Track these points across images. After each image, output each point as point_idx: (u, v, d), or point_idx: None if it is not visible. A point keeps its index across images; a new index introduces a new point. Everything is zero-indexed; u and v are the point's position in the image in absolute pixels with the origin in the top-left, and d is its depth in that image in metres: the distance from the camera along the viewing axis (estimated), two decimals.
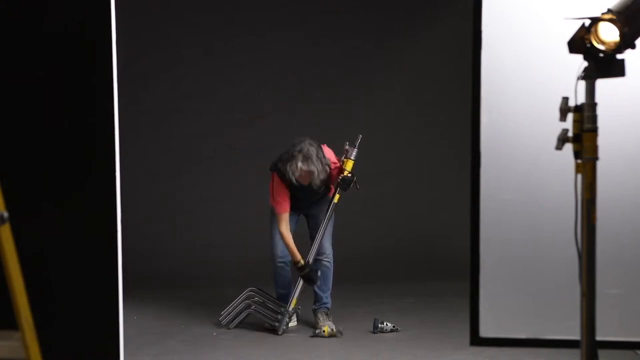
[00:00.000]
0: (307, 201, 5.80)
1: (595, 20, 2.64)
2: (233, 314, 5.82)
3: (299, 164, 5.50)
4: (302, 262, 5.67)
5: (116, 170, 3.33)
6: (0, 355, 2.35)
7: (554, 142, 2.69)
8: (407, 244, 7.83)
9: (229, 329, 5.78)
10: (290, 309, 5.69)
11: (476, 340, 3.16)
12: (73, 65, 3.32)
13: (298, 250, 5.72)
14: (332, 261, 5.82)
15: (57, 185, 3.35)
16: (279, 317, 5.67)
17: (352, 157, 5.75)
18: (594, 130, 2.67)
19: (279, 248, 5.80)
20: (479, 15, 3.07)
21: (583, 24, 2.65)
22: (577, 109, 2.69)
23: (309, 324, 5.85)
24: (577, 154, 2.69)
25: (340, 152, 5.82)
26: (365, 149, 7.13)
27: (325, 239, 5.78)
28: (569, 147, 2.69)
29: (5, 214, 2.23)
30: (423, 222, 8.00)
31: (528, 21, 3.12)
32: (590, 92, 2.68)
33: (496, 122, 3.10)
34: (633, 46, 2.64)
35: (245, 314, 5.82)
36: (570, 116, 2.69)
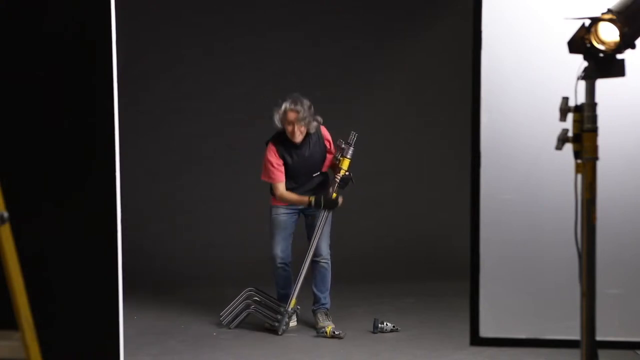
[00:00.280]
0: (303, 186, 5.77)
1: (595, 20, 2.64)
2: (233, 314, 5.82)
3: (286, 104, 5.65)
4: (311, 199, 5.68)
5: (116, 170, 3.34)
6: (0, 355, 2.35)
7: (554, 142, 2.69)
8: (407, 244, 7.83)
9: (229, 329, 5.78)
10: (290, 308, 5.70)
11: (476, 340, 3.16)
12: (73, 65, 3.32)
13: (292, 250, 5.76)
14: (329, 262, 5.81)
15: (57, 185, 3.35)
16: (279, 317, 5.68)
17: (349, 156, 5.76)
18: (594, 130, 2.67)
19: (279, 248, 5.80)
20: (479, 15, 3.07)
21: (583, 24, 2.65)
22: (577, 109, 2.69)
23: (309, 324, 5.85)
24: (577, 154, 2.69)
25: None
26: (365, 149, 7.13)
27: (322, 241, 5.77)
28: (569, 147, 2.69)
29: (5, 214, 2.23)
30: (423, 222, 8.00)
31: (528, 21, 3.12)
32: (590, 92, 2.68)
33: (496, 122, 3.10)
34: (633, 46, 2.64)
35: (245, 314, 5.82)
36: (570, 116, 2.69)
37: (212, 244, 7.72)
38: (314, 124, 5.72)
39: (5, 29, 3.25)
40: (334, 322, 5.74)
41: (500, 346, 3.42)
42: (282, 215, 5.82)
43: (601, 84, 2.68)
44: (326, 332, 5.59)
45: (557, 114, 2.69)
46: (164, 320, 6.11)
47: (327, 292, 5.82)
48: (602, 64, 2.66)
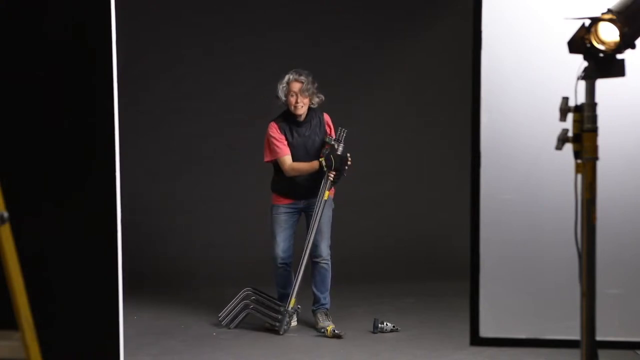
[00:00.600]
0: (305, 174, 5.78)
1: (595, 20, 2.64)
2: (232, 314, 5.82)
3: (290, 75, 5.75)
4: (322, 161, 5.69)
5: (116, 170, 3.33)
6: (0, 355, 2.35)
7: (554, 142, 2.69)
8: (407, 244, 7.83)
9: (229, 329, 5.79)
10: (290, 308, 5.70)
11: (476, 340, 3.16)
12: (73, 65, 3.32)
13: (292, 251, 5.77)
14: (329, 263, 5.81)
15: (57, 185, 3.34)
16: (280, 317, 5.68)
17: (339, 153, 5.76)
18: (594, 130, 2.67)
19: (280, 249, 5.80)
20: (479, 15, 3.07)
21: (583, 24, 2.65)
22: (577, 109, 2.69)
23: (309, 324, 5.85)
24: (577, 154, 2.69)
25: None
26: (365, 149, 7.14)
27: (322, 242, 5.77)
28: (569, 147, 2.69)
29: (5, 214, 2.23)
30: (423, 222, 8.00)
31: (528, 21, 3.12)
32: (590, 92, 2.68)
33: (496, 122, 3.10)
34: (633, 46, 2.64)
35: (244, 314, 5.82)
36: (570, 116, 2.69)
37: (212, 244, 7.72)
38: (317, 99, 5.78)
39: (5, 29, 3.25)
40: (334, 322, 5.74)
41: (500, 346, 3.42)
42: (283, 214, 5.82)
43: (601, 84, 2.68)
44: (327, 332, 5.59)
45: (557, 114, 2.69)
46: (164, 320, 6.11)
47: (327, 293, 5.83)
48: (602, 64, 2.66)
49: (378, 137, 7.96)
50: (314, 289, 5.81)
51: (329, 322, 5.70)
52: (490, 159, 3.10)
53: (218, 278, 7.28)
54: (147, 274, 7.26)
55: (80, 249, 3.36)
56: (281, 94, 5.76)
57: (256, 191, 7.82)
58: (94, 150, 3.36)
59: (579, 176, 2.70)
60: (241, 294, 5.89)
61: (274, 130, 5.79)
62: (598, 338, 2.72)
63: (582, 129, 2.67)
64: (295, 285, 5.73)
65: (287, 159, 5.75)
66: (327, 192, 5.73)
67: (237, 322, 5.81)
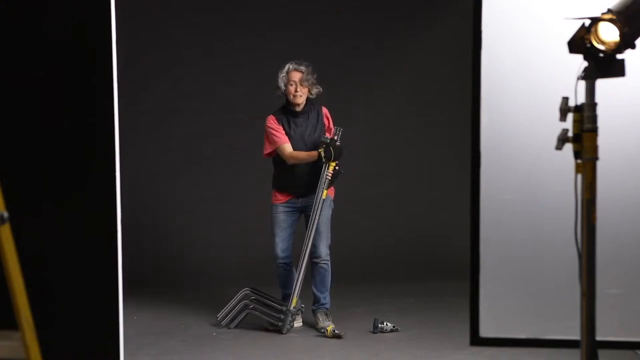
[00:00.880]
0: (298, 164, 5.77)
1: (595, 20, 2.64)
2: (232, 314, 5.82)
3: (290, 64, 5.82)
4: (321, 151, 5.69)
5: (116, 170, 3.33)
6: (0, 355, 2.35)
7: (554, 142, 2.69)
8: (407, 244, 7.83)
9: (229, 329, 5.79)
10: (292, 307, 5.70)
11: (476, 340, 3.16)
12: (73, 65, 3.32)
13: (292, 250, 5.78)
14: (329, 263, 5.81)
15: (57, 185, 3.34)
16: (282, 316, 5.68)
17: None
18: (594, 130, 2.67)
19: (280, 249, 5.81)
20: (479, 15, 3.07)
21: (583, 24, 2.65)
22: (577, 109, 2.69)
23: (310, 324, 5.85)
24: (577, 154, 2.69)
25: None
26: (365, 149, 7.14)
27: (320, 242, 5.77)
28: (569, 147, 2.69)
29: (5, 214, 2.23)
30: (423, 222, 8.00)
31: (528, 21, 3.12)
32: (590, 92, 2.68)
33: (496, 122, 3.10)
34: (633, 46, 2.64)
35: (244, 314, 5.82)
36: (570, 116, 2.69)
37: (212, 244, 7.72)
38: (315, 89, 5.82)
39: (5, 29, 3.25)
40: (334, 322, 5.74)
41: (500, 346, 3.42)
42: (282, 213, 5.83)
43: (601, 84, 2.68)
44: (327, 332, 5.59)
45: (557, 114, 2.69)
46: (164, 320, 6.11)
47: (327, 292, 5.83)
48: (602, 64, 2.66)
49: (378, 137, 7.96)
50: (314, 289, 5.81)
51: (329, 322, 5.71)
52: (490, 159, 3.10)
53: (218, 278, 7.28)
54: (147, 274, 7.26)
55: (80, 249, 3.36)
56: (281, 83, 5.82)
57: (256, 191, 7.82)
58: (94, 150, 3.36)
59: (579, 176, 2.70)
60: (240, 294, 5.89)
61: (272, 122, 5.82)
62: (598, 338, 2.72)
63: (582, 129, 2.68)
64: (296, 285, 5.73)
65: (286, 146, 5.77)
66: (325, 192, 5.74)
67: (237, 322, 5.81)
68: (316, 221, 5.73)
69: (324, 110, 5.89)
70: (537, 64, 3.10)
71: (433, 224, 7.99)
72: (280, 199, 5.85)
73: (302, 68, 5.79)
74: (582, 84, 2.69)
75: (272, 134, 5.79)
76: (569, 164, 2.70)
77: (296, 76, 5.78)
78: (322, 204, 5.72)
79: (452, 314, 6.03)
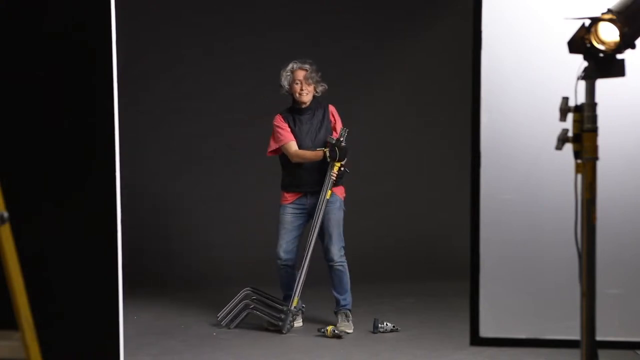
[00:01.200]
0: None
1: (595, 20, 2.64)
2: (232, 314, 5.82)
3: (293, 63, 5.82)
4: (326, 151, 5.70)
5: (116, 170, 3.33)
6: (0, 355, 2.35)
7: (554, 142, 2.69)
8: (407, 244, 7.83)
9: (229, 329, 5.79)
10: (293, 307, 5.70)
11: (476, 340, 3.16)
12: (73, 65, 3.32)
13: (296, 253, 5.77)
14: (344, 264, 5.80)
15: (57, 185, 3.34)
16: (282, 316, 5.68)
17: None
18: (594, 130, 2.67)
19: (282, 249, 5.81)
20: (479, 15, 3.07)
21: (583, 24, 2.65)
22: (577, 109, 2.69)
23: (311, 324, 5.85)
24: (577, 154, 2.69)
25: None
26: (365, 149, 7.14)
27: (332, 246, 5.77)
28: (569, 147, 2.69)
29: (5, 214, 2.23)
30: (423, 222, 8.00)
31: (528, 21, 3.12)
32: (590, 92, 2.68)
33: (496, 122, 3.10)
34: (633, 46, 2.64)
35: (245, 314, 5.82)
36: (570, 116, 2.69)
37: (212, 244, 7.72)
38: (321, 87, 5.85)
39: (5, 29, 3.25)
40: (333, 322, 5.74)
41: (500, 346, 3.42)
42: (289, 215, 5.82)
43: (601, 84, 2.68)
44: (327, 332, 5.59)
45: (557, 114, 2.69)
46: (164, 320, 6.11)
47: (347, 293, 5.81)
48: (602, 64, 2.66)
49: (378, 137, 7.96)
50: (333, 291, 5.81)
51: (346, 324, 5.70)
52: (490, 159, 3.10)
53: (218, 278, 7.28)
54: (147, 274, 7.26)
55: (80, 249, 3.36)
56: (284, 82, 5.82)
57: (256, 191, 7.83)
58: (94, 150, 3.36)
59: (579, 176, 2.70)
60: (240, 294, 5.89)
61: (278, 120, 5.85)
62: (598, 338, 2.72)
63: (582, 129, 2.68)
64: (297, 285, 5.72)
65: (292, 144, 5.78)
66: (329, 192, 5.73)
67: (238, 322, 5.81)
68: (318, 222, 5.73)
69: (331, 108, 5.90)
70: (537, 64, 3.10)
71: (433, 224, 7.99)
72: (288, 199, 5.85)
73: (306, 66, 5.80)
74: (582, 84, 2.69)
75: (278, 131, 5.81)
76: (569, 164, 2.70)
77: (301, 74, 5.79)
78: (325, 204, 5.73)
79: (452, 314, 6.03)
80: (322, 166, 5.77)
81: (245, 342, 5.53)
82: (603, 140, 2.68)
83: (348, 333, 5.63)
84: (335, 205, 5.77)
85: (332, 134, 5.80)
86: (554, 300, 3.13)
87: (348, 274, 5.80)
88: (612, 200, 3.01)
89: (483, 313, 3.13)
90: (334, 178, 5.73)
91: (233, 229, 7.79)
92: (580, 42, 2.66)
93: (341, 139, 5.73)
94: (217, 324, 5.84)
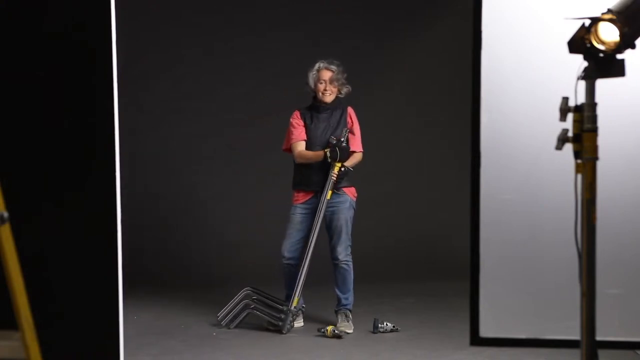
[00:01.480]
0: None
1: (595, 20, 2.64)
2: (232, 314, 5.82)
3: (320, 63, 5.87)
4: (327, 151, 5.71)
5: (116, 170, 3.33)
6: (0, 355, 2.35)
7: (554, 142, 2.69)
8: (407, 244, 7.83)
9: (229, 329, 5.78)
10: (293, 307, 5.70)
11: (476, 340, 3.16)
12: (73, 65, 3.31)
13: (300, 253, 5.77)
14: (349, 264, 5.80)
15: (57, 185, 3.34)
16: (282, 316, 5.68)
17: None
18: (594, 130, 2.67)
19: (286, 248, 5.82)
20: (479, 15, 3.07)
21: (583, 24, 2.65)
22: (577, 109, 2.69)
23: (312, 324, 5.85)
24: (577, 154, 2.69)
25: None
26: (366, 149, 7.10)
27: (338, 245, 5.77)
28: (569, 147, 2.69)
29: (5, 214, 2.23)
30: (423, 222, 8.00)
31: (528, 21, 3.12)
32: (590, 92, 2.68)
33: (496, 122, 3.10)
34: (633, 46, 2.64)
35: (245, 314, 5.82)
36: (570, 116, 2.69)
37: (211, 244, 7.72)
38: (345, 89, 5.90)
39: (5, 29, 3.25)
40: (333, 322, 5.74)
41: (500, 346, 3.42)
42: (298, 215, 5.84)
43: (601, 84, 2.68)
44: (327, 332, 5.59)
45: (557, 114, 2.69)
46: (164, 320, 6.11)
47: (349, 293, 5.82)
48: (602, 64, 2.66)
49: (378, 137, 7.96)
50: (336, 290, 5.82)
51: (346, 323, 5.70)
52: (490, 159, 3.10)
53: (218, 278, 7.29)
54: (147, 274, 7.26)
55: (80, 249, 3.36)
56: (311, 81, 5.86)
57: (256, 191, 7.83)
58: (94, 150, 3.36)
59: (579, 176, 2.70)
60: (240, 294, 5.89)
61: (295, 116, 5.90)
62: (598, 338, 2.72)
63: (582, 129, 2.68)
64: (298, 285, 5.73)
65: (298, 145, 5.82)
66: (330, 192, 5.74)
67: (238, 322, 5.81)
68: (319, 223, 5.74)
69: (350, 110, 5.93)
70: (537, 64, 3.10)
71: (433, 224, 7.99)
72: (298, 199, 5.86)
73: (333, 67, 5.85)
74: (582, 84, 2.69)
75: (290, 129, 5.86)
76: (569, 164, 2.70)
77: (326, 75, 5.83)
78: (326, 204, 5.73)
79: (452, 314, 6.03)
80: (329, 166, 5.78)
81: (245, 342, 5.53)
82: (603, 140, 2.68)
83: (348, 333, 5.64)
84: (344, 205, 5.79)
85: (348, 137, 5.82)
86: (554, 300, 3.13)
87: (352, 274, 5.81)
88: (612, 200, 3.01)
89: (483, 313, 3.13)
90: (334, 178, 5.73)
91: (233, 229, 7.79)
92: (580, 42, 2.66)
93: (342, 140, 5.74)
94: (217, 324, 5.84)
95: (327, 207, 5.77)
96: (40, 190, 3.33)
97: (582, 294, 2.70)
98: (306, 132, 5.84)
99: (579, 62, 2.68)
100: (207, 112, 7.91)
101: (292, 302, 5.71)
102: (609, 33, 2.63)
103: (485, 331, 3.15)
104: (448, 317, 6.00)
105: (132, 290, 5.61)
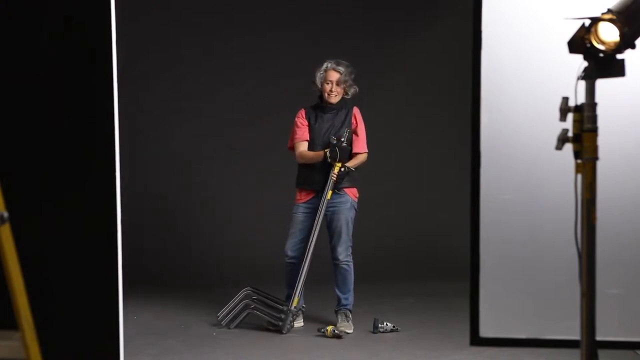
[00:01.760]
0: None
1: (595, 20, 2.64)
2: (232, 314, 5.82)
3: (328, 63, 5.82)
4: (326, 151, 5.72)
5: (116, 170, 3.33)
6: (0, 355, 2.35)
7: (554, 142, 2.69)
8: (407, 244, 7.83)
9: (229, 329, 5.78)
10: (293, 307, 5.70)
11: (476, 340, 3.16)
12: (73, 65, 3.31)
13: (302, 252, 5.76)
14: (350, 264, 5.80)
15: (57, 185, 3.34)
16: (282, 316, 5.68)
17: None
18: (594, 130, 2.67)
19: (289, 247, 5.83)
20: (479, 15, 3.07)
21: (583, 24, 2.65)
22: (577, 109, 2.69)
23: (312, 324, 5.84)
24: (577, 154, 2.69)
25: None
26: (367, 149, 7.09)
27: (339, 245, 5.78)
28: (569, 147, 2.69)
29: (5, 214, 2.23)
30: (423, 222, 8.00)
31: (528, 21, 3.12)
32: (590, 92, 2.68)
33: (496, 122, 3.10)
34: (633, 46, 2.64)
35: (245, 314, 5.82)
36: (570, 116, 2.69)
37: (211, 244, 7.72)
38: (352, 90, 5.86)
39: (5, 28, 3.25)
40: (333, 321, 5.74)
41: (500, 346, 3.42)
42: (301, 214, 5.85)
43: (601, 84, 2.68)
44: (327, 332, 5.59)
45: (557, 114, 2.69)
46: (164, 320, 6.11)
47: (349, 293, 5.82)
48: (602, 64, 2.66)
49: (378, 137, 7.95)
50: (336, 289, 5.82)
51: (346, 323, 5.70)
52: (490, 159, 3.10)
53: (218, 278, 7.29)
54: (147, 274, 7.26)
55: (80, 249, 3.36)
56: (317, 81, 5.84)
57: (256, 191, 7.83)
58: (94, 150, 3.36)
59: (579, 176, 2.70)
60: (240, 294, 5.89)
61: (300, 115, 5.90)
62: (598, 338, 2.72)
63: (582, 129, 2.68)
64: (298, 285, 5.73)
65: (300, 145, 5.83)
66: (330, 192, 5.74)
67: (238, 322, 5.81)
68: (319, 223, 5.74)
69: (355, 110, 5.91)
70: (537, 64, 3.10)
71: (433, 224, 7.99)
72: (301, 198, 5.86)
73: (341, 69, 5.80)
74: (582, 84, 2.69)
75: (294, 129, 5.87)
76: (569, 164, 2.70)
77: (334, 76, 5.81)
78: (326, 205, 5.73)
79: (452, 314, 6.03)
80: (331, 166, 5.78)
81: (245, 342, 5.53)
82: (603, 140, 2.68)
83: (348, 333, 5.64)
84: (345, 205, 5.79)
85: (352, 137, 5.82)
86: (554, 300, 3.13)
87: (353, 274, 5.81)
88: (612, 200, 3.01)
89: (483, 313, 3.13)
90: (334, 179, 5.73)
91: (233, 228, 7.79)
92: (580, 42, 2.66)
93: (342, 140, 5.74)
94: (217, 324, 5.84)
95: (328, 207, 5.77)
96: (40, 190, 3.33)
97: (582, 294, 2.70)
98: (310, 132, 5.84)
99: (579, 62, 2.68)
100: (207, 112, 7.91)
101: (292, 302, 5.71)
102: (609, 33, 2.63)
103: (485, 331, 3.15)
104: (448, 317, 6.00)
105: (132, 290, 5.61)
